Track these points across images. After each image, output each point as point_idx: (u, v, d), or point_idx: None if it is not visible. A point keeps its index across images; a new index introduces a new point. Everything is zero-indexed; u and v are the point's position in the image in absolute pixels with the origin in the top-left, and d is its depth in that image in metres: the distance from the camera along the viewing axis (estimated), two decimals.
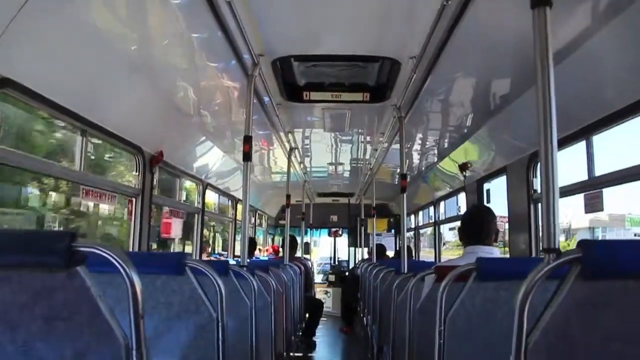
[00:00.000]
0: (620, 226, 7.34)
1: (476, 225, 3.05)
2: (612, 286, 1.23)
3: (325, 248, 15.10)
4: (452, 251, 8.85)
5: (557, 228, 1.39)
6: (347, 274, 11.98)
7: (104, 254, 1.15)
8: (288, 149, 6.56)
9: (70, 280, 1.15)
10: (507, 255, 5.10)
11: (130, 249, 4.47)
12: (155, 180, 4.73)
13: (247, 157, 3.52)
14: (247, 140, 3.51)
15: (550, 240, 1.38)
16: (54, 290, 1.16)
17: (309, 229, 12.79)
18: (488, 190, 5.77)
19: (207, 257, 8.70)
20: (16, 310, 1.16)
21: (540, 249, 1.42)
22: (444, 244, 9.20)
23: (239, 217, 8.66)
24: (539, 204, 4.34)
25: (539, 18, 1.53)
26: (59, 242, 1.12)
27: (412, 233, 10.67)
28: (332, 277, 12.19)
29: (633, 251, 1.26)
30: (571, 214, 3.72)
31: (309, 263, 10.23)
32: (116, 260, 1.17)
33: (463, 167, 5.98)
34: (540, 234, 1.44)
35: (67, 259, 1.12)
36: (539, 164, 1.48)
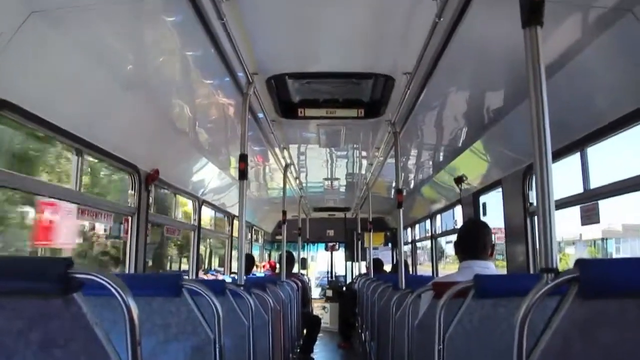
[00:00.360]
0: (634, 236, 7.13)
1: (472, 240, 3.04)
2: (611, 305, 1.23)
3: (322, 263, 15.04)
4: (453, 265, 8.78)
5: (555, 246, 1.39)
6: (344, 289, 11.94)
7: (101, 281, 1.14)
8: (284, 165, 6.56)
9: (66, 307, 1.13)
10: (504, 269, 5.10)
11: (127, 268, 4.45)
12: (151, 198, 4.72)
13: (242, 175, 3.51)
14: (243, 158, 3.50)
15: (548, 259, 1.37)
16: (49, 317, 1.14)
17: (305, 244, 12.76)
18: (484, 204, 5.78)
19: (204, 274, 8.66)
20: (11, 338, 1.15)
21: (539, 267, 1.41)
22: (446, 257, 9.17)
23: (235, 233, 8.64)
24: (535, 217, 4.35)
25: (530, 37, 1.54)
26: (55, 268, 1.11)
27: (409, 246, 10.65)
28: (329, 292, 12.15)
29: (631, 270, 1.26)
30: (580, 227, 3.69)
31: (306, 279, 10.19)
32: (113, 287, 1.16)
33: (459, 180, 5.99)
34: (537, 248, 1.44)
35: (63, 286, 1.11)
36: (534, 177, 1.49)
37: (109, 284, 1.15)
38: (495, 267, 3.33)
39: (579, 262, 1.23)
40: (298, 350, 7.18)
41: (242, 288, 2.98)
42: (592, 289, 1.22)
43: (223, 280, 3.18)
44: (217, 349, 2.13)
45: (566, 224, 3.70)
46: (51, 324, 1.15)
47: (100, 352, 1.15)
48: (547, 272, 1.34)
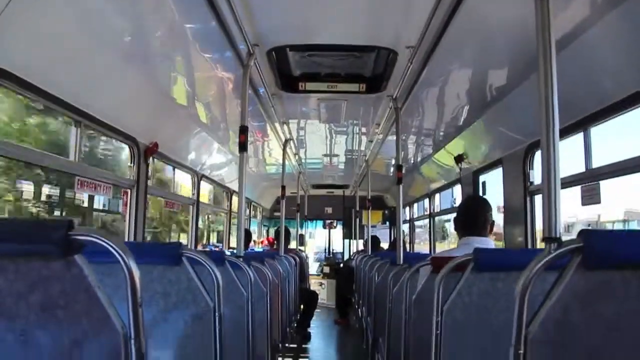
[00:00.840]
0: None
1: (471, 216, 3.05)
2: (613, 276, 1.23)
3: (320, 240, 15.11)
4: (454, 245, 8.71)
5: (559, 217, 1.38)
6: (341, 265, 12.00)
7: (102, 243, 1.14)
8: (283, 140, 6.54)
9: (68, 269, 1.14)
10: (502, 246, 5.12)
11: (126, 239, 4.46)
12: (150, 171, 4.71)
13: (242, 147, 3.49)
14: (243, 130, 3.49)
15: (552, 229, 1.37)
16: (51, 279, 1.14)
17: (303, 221, 12.80)
18: (484, 182, 5.77)
19: (203, 248, 8.69)
20: (13, 300, 1.15)
21: (541, 238, 1.41)
22: (449, 236, 9.17)
23: (233, 208, 8.65)
24: (536, 196, 4.35)
25: (541, 7, 1.51)
26: (56, 230, 1.11)
27: (407, 225, 10.69)
28: (326, 269, 12.22)
29: (634, 241, 1.25)
30: (599, 206, 3.63)
31: (304, 255, 10.25)
32: (114, 249, 1.15)
33: (459, 159, 5.98)
34: (541, 226, 1.43)
35: (65, 248, 1.11)
36: (536, 155, 1.49)
37: (110, 246, 1.15)
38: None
39: (583, 233, 1.23)
40: (295, 324, 7.25)
41: (241, 259, 2.99)
42: (595, 259, 1.22)
43: (222, 251, 3.20)
44: (217, 318, 2.14)
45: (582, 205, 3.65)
46: (52, 286, 1.15)
47: (101, 314, 1.15)
48: (550, 242, 1.33)
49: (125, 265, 1.16)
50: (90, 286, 1.14)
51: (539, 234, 4.34)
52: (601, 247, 1.22)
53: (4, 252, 1.14)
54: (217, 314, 2.14)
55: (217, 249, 8.96)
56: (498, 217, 4.85)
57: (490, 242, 3.00)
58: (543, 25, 1.52)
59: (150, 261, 2.12)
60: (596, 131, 3.46)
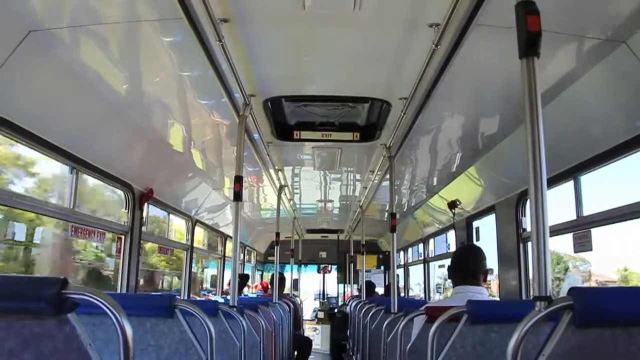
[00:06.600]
0: None
1: (465, 265, 3.04)
2: (603, 333, 1.24)
3: (314, 284, 14.84)
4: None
5: (549, 274, 1.39)
6: (336, 311, 11.85)
7: (96, 301, 1.14)
8: (278, 186, 6.56)
9: (60, 328, 1.13)
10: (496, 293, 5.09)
11: (119, 286, 4.42)
12: (144, 217, 4.71)
13: (237, 196, 3.49)
14: (238, 180, 3.50)
15: (541, 287, 1.38)
16: (43, 338, 1.13)
17: (297, 265, 12.69)
18: (477, 228, 5.78)
19: (194, 295, 8.57)
20: (4, 358, 1.14)
21: (531, 293, 1.42)
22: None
23: (227, 253, 8.59)
24: (528, 243, 4.36)
25: (527, 67, 1.56)
26: (49, 288, 1.10)
27: (402, 270, 10.61)
28: (321, 314, 12.06)
29: (624, 299, 1.27)
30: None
31: (298, 300, 10.13)
32: (107, 307, 1.15)
33: (452, 205, 6.00)
34: (531, 275, 1.44)
35: (57, 306, 1.10)
36: (527, 203, 1.50)
37: (104, 304, 1.15)
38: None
39: (573, 291, 1.24)
40: None
41: (234, 309, 2.97)
42: (586, 317, 1.22)
43: (216, 301, 3.16)
44: None
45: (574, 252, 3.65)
46: (44, 344, 1.13)
47: None
48: (540, 300, 1.34)
49: (119, 324, 1.16)
50: (82, 345, 1.13)
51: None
52: (591, 305, 1.23)
53: None
54: None
55: (210, 295, 8.86)
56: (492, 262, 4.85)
57: (484, 291, 2.99)
58: (529, 82, 1.56)
59: (143, 313, 2.10)
60: (587, 179, 3.51)
